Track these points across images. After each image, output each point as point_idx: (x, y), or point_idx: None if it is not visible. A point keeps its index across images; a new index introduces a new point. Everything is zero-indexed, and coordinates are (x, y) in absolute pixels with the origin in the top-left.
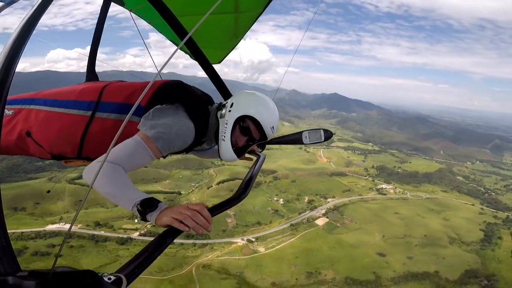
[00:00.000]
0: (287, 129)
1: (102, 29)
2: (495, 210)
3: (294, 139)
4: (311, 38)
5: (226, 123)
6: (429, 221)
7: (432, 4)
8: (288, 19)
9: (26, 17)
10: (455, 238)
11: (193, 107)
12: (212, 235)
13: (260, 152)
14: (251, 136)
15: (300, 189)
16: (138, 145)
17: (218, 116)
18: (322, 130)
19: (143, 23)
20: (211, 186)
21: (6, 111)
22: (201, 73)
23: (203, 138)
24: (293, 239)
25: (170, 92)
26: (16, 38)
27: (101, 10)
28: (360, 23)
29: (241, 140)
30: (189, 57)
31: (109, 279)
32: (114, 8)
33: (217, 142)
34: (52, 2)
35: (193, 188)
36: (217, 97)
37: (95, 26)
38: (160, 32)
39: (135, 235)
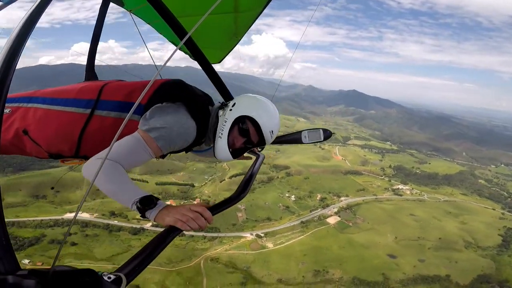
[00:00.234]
0: (302, 125)
1: (101, 29)
2: None
3: (294, 138)
4: (330, 34)
5: (225, 121)
6: (445, 224)
7: (458, 1)
8: (305, 14)
9: (26, 16)
10: (471, 243)
11: (194, 106)
12: (222, 228)
13: (260, 151)
14: (249, 138)
15: (312, 186)
16: (138, 143)
17: (219, 114)
18: (321, 130)
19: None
20: (224, 180)
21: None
22: (218, 67)
23: (203, 138)
24: (302, 237)
25: (171, 91)
26: (15, 38)
27: (99, 10)
28: (381, 19)
29: (238, 141)
30: None
31: (109, 278)
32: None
33: (213, 140)
34: (51, 2)
35: (206, 181)
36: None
37: (94, 26)
38: (160, 33)
39: (148, 225)
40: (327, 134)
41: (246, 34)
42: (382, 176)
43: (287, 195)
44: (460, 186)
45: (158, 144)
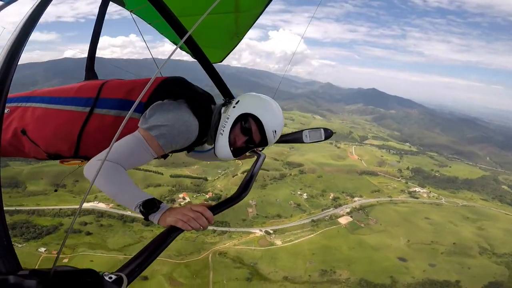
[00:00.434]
0: (318, 122)
1: (101, 29)
2: None
3: (295, 138)
4: (350, 31)
5: (228, 118)
6: (461, 229)
7: (489, 0)
8: (325, 10)
9: (27, 16)
10: (487, 249)
11: (196, 103)
12: (232, 223)
13: (261, 151)
14: (251, 137)
15: (326, 185)
16: (139, 143)
17: (222, 111)
18: (322, 129)
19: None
20: (236, 175)
21: None
22: (235, 63)
23: (205, 136)
24: (312, 235)
25: (172, 88)
26: (16, 37)
27: (99, 10)
28: (405, 17)
29: (240, 139)
30: None
31: (110, 278)
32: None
33: (215, 137)
34: (51, 2)
35: (219, 175)
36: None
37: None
38: (161, 33)
39: None
40: (328, 134)
41: (263, 30)
42: (399, 178)
43: (299, 193)
44: (481, 191)
45: (159, 143)
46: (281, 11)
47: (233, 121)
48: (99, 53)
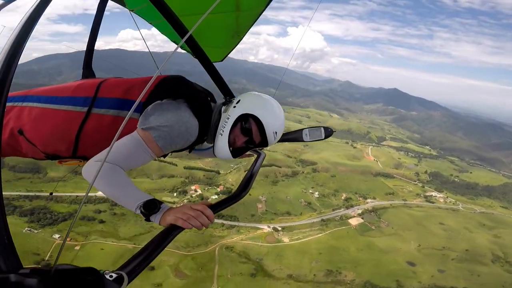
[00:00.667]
0: (335, 121)
1: (99, 27)
2: None
3: (295, 137)
4: (373, 30)
5: (228, 118)
6: (476, 236)
7: None
8: (347, 8)
9: (27, 15)
10: (500, 257)
11: (196, 103)
12: (241, 218)
13: (261, 149)
14: (251, 137)
15: (339, 185)
16: (137, 143)
17: (222, 111)
18: (322, 128)
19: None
20: (248, 169)
21: None
22: (252, 58)
23: (205, 136)
24: (320, 235)
25: (171, 87)
26: (17, 36)
27: (98, 8)
28: (434, 17)
29: (239, 139)
30: (242, 41)
31: (111, 276)
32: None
33: (214, 137)
34: (52, 0)
35: (232, 169)
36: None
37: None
38: (162, 32)
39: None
40: (328, 132)
41: (281, 27)
42: (415, 181)
43: (310, 191)
44: (502, 199)
45: (158, 144)
46: (301, 7)
47: (233, 121)
48: (122, 46)
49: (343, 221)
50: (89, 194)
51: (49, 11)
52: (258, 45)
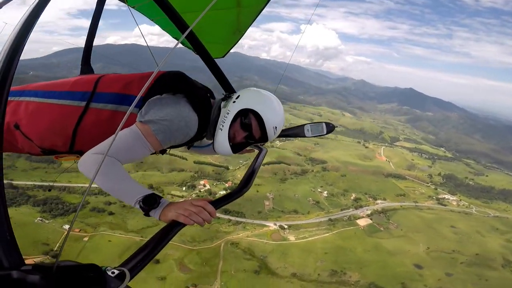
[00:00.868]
0: (347, 120)
1: (98, 23)
2: None
3: (296, 132)
4: (390, 28)
5: (228, 113)
6: (488, 240)
7: None
8: (363, 6)
9: (28, 12)
10: (511, 262)
11: (196, 98)
12: (248, 214)
13: (262, 145)
14: (251, 133)
15: (348, 185)
16: (136, 137)
17: (222, 106)
18: (324, 123)
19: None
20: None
21: None
22: (264, 55)
23: (204, 131)
24: (327, 234)
25: (171, 82)
26: (18, 33)
27: (97, 4)
28: (453, 16)
29: (239, 134)
30: (254, 38)
31: (113, 273)
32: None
33: (214, 132)
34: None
35: (241, 165)
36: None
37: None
38: (163, 29)
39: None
40: (330, 128)
41: (295, 24)
42: (428, 183)
43: (319, 190)
44: None
45: (158, 138)
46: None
47: (233, 116)
48: (138, 41)
49: (351, 222)
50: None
51: (68, 5)
52: (271, 42)
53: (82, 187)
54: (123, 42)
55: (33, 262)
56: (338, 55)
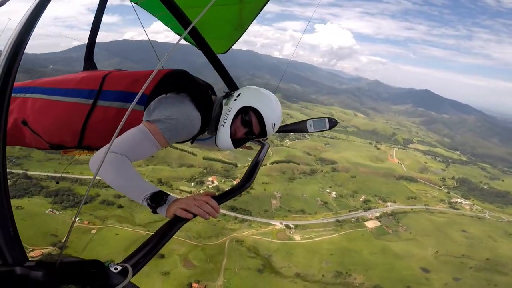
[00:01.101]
0: (359, 120)
1: (101, 19)
2: None
3: (299, 127)
4: (407, 29)
5: (229, 111)
6: (500, 245)
7: None
8: (379, 6)
9: (32, 8)
10: None
11: (199, 97)
12: (254, 212)
13: (265, 140)
14: (251, 129)
15: (358, 186)
16: (144, 135)
17: (223, 103)
18: (326, 119)
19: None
20: (265, 165)
21: None
22: (277, 54)
23: (207, 127)
24: (334, 235)
25: (175, 81)
26: (21, 29)
27: (99, 3)
28: (474, 17)
29: (240, 130)
30: (267, 37)
31: (116, 269)
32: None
33: (216, 128)
34: None
35: (249, 163)
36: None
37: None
38: (166, 25)
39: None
40: (333, 123)
41: (309, 23)
42: (441, 186)
43: (328, 190)
44: None
45: (165, 136)
46: (330, 4)
47: (234, 113)
48: (154, 37)
49: (359, 223)
50: None
51: (89, 1)
52: (284, 41)
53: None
54: (139, 38)
55: (41, 254)
56: (353, 55)
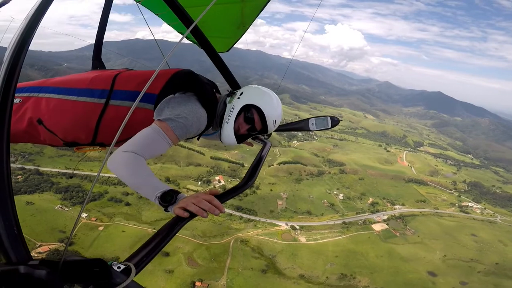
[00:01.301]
0: (369, 122)
1: (108, 18)
2: None
3: (301, 126)
4: (419, 30)
5: (233, 108)
6: (510, 250)
7: None
8: (391, 7)
9: (35, 7)
10: None
11: (204, 96)
12: (260, 213)
13: (267, 139)
14: (253, 125)
15: (366, 189)
16: (157, 134)
17: (227, 101)
18: (329, 117)
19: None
20: (272, 165)
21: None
22: (286, 54)
23: (212, 124)
24: (339, 237)
25: (182, 81)
26: (25, 28)
27: (105, 2)
28: (489, 19)
29: (243, 127)
30: (276, 37)
31: (118, 268)
32: None
33: (220, 125)
34: None
35: None
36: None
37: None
38: (168, 24)
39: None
40: (335, 122)
41: (319, 24)
42: (451, 190)
43: (335, 192)
44: None
45: (176, 133)
46: (341, 5)
47: (237, 111)
48: (165, 37)
49: (366, 226)
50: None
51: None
52: (293, 41)
53: (102, 176)
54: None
55: (48, 249)
56: (363, 56)
